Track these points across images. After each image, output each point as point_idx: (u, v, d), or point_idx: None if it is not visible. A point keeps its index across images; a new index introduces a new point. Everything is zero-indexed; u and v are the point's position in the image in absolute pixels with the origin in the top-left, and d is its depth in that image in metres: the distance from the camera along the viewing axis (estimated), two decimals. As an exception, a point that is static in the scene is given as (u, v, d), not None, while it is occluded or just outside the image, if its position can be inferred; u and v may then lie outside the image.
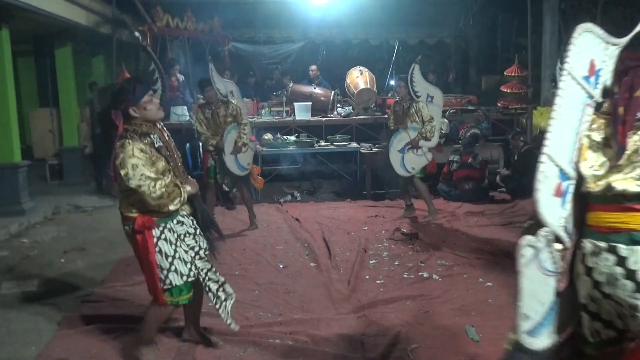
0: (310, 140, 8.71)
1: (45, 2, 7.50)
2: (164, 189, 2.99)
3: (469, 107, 9.76)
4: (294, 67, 12.19)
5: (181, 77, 9.49)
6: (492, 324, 3.81)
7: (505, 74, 9.09)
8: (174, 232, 3.13)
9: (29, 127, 11.09)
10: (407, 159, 6.50)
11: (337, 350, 3.44)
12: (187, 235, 3.22)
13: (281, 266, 5.23)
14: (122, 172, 2.94)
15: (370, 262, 5.29)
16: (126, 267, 5.11)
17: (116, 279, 4.86)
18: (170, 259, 3.09)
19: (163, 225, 3.10)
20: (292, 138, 8.77)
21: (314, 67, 10.12)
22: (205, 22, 10.34)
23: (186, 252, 3.17)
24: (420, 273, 4.91)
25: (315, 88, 9.70)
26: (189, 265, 3.16)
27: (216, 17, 10.55)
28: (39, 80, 11.84)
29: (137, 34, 4.07)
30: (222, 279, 3.34)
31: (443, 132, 8.68)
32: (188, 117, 8.77)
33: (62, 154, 10.00)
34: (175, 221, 3.16)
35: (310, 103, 9.24)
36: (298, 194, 8.53)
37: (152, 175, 2.98)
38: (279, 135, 8.83)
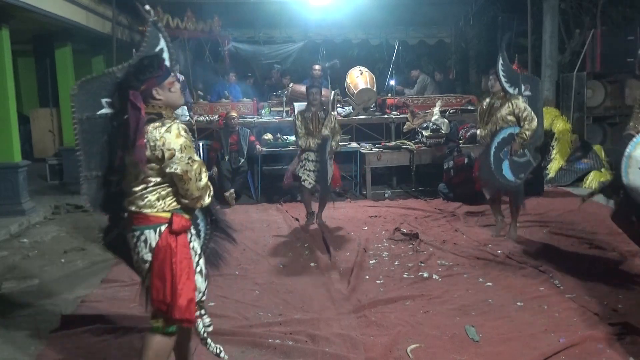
0: (310, 140, 8.69)
1: (45, 2, 7.49)
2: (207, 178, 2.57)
3: (469, 107, 9.75)
4: (294, 67, 12.17)
5: (181, 77, 9.48)
6: (492, 324, 3.81)
7: (505, 74, 9.06)
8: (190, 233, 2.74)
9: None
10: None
11: (337, 350, 3.43)
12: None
13: (281, 266, 5.23)
14: (167, 154, 2.49)
15: (370, 262, 5.29)
16: (126, 267, 5.08)
17: (116, 279, 4.85)
18: (197, 258, 2.67)
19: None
20: (292, 138, 8.75)
21: (317, 66, 10.06)
22: (205, 22, 10.32)
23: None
24: (420, 273, 4.91)
25: (315, 88, 9.67)
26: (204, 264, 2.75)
27: (216, 17, 10.53)
28: (39, 80, 11.82)
29: (147, 7, 3.46)
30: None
31: (443, 132, 8.71)
32: (188, 117, 8.76)
33: (62, 154, 9.99)
34: None
35: (311, 103, 9.22)
36: (298, 194, 8.50)
37: (198, 159, 2.57)
38: (279, 135, 8.82)
